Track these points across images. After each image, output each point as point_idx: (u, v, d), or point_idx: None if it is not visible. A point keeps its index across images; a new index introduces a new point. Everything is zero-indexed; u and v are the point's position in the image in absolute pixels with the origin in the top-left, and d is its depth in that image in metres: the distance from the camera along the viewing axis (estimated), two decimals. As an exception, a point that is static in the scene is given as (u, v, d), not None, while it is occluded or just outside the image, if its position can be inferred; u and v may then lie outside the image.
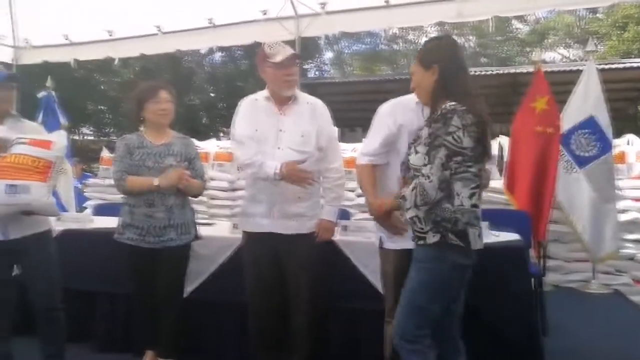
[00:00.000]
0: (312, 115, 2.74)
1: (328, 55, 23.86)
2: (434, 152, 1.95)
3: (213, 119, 20.76)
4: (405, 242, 2.33)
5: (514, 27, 19.19)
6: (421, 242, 2.03)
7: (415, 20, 5.02)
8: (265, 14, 5.13)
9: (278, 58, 2.65)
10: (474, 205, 2.01)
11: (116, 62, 6.19)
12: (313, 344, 2.75)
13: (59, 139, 2.65)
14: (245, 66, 22.56)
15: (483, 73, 10.40)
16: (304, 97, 2.81)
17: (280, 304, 2.72)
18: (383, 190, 2.40)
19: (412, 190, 1.98)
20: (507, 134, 5.02)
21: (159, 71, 18.56)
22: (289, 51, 2.70)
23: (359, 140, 5.61)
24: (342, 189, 2.88)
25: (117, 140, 3.02)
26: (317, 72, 22.88)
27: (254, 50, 4.99)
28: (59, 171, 2.65)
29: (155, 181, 2.77)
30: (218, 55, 20.70)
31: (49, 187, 2.53)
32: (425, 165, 1.97)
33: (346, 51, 24.00)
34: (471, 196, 1.99)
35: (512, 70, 10.86)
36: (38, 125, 2.91)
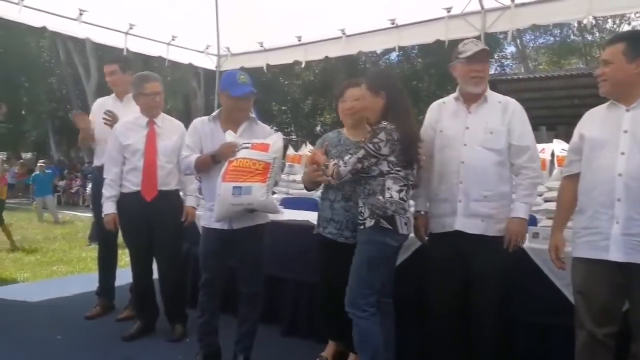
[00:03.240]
0: (503, 113, 2.66)
1: (510, 49, 22.55)
2: (357, 150, 2.63)
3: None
4: (594, 251, 2.21)
5: None
6: (362, 227, 2.59)
7: (622, 7, 4.43)
8: (449, 11, 4.99)
9: (468, 53, 2.65)
10: (402, 199, 2.55)
11: (302, 64, 6.54)
12: (496, 355, 2.64)
13: (276, 141, 2.85)
14: (420, 65, 22.45)
15: None
16: (495, 97, 2.74)
17: (464, 307, 2.65)
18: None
19: (333, 165, 2.61)
20: None
21: (336, 72, 19.32)
22: (480, 46, 2.68)
23: (543, 140, 5.18)
24: (535, 189, 2.73)
25: (319, 141, 3.18)
26: (497, 68, 21.78)
27: (430, 49, 4.91)
28: (277, 171, 2.85)
29: None
30: (394, 55, 20.88)
31: (268, 187, 2.74)
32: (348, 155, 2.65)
33: (531, 44, 22.39)
34: (399, 191, 2.55)
35: None
36: (268, 127, 3.17)
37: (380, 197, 2.53)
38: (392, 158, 2.53)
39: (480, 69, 2.68)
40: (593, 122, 2.35)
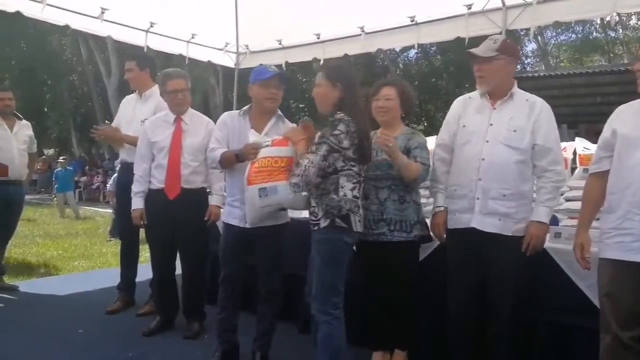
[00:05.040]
0: (529, 112, 2.61)
1: (531, 46, 22.24)
2: (318, 146, 2.45)
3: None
4: (624, 253, 2.15)
5: None
6: (316, 227, 2.52)
7: (649, 3, 4.32)
8: (469, 7, 4.94)
9: None
10: (355, 197, 2.50)
11: (321, 62, 6.52)
12: (514, 356, 2.61)
13: None
14: (439, 62, 22.28)
15: None
16: (523, 95, 2.68)
17: (482, 307, 2.62)
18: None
19: (300, 167, 2.46)
20: None
21: (354, 70, 19.25)
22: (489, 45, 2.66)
23: (564, 138, 5.10)
24: (558, 193, 2.68)
25: None
26: (518, 66, 21.53)
27: (449, 46, 4.86)
28: None
29: None
30: (412, 52, 20.74)
31: None
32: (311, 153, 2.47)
33: (552, 41, 22.04)
34: (353, 189, 2.50)
35: None
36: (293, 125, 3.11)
37: (335, 196, 2.48)
38: (349, 153, 2.47)
39: (481, 69, 2.66)
40: (627, 118, 2.26)
